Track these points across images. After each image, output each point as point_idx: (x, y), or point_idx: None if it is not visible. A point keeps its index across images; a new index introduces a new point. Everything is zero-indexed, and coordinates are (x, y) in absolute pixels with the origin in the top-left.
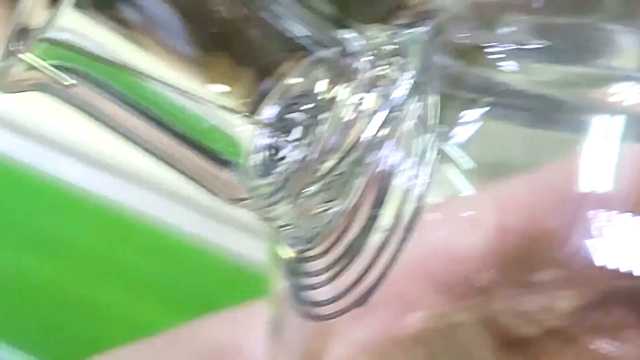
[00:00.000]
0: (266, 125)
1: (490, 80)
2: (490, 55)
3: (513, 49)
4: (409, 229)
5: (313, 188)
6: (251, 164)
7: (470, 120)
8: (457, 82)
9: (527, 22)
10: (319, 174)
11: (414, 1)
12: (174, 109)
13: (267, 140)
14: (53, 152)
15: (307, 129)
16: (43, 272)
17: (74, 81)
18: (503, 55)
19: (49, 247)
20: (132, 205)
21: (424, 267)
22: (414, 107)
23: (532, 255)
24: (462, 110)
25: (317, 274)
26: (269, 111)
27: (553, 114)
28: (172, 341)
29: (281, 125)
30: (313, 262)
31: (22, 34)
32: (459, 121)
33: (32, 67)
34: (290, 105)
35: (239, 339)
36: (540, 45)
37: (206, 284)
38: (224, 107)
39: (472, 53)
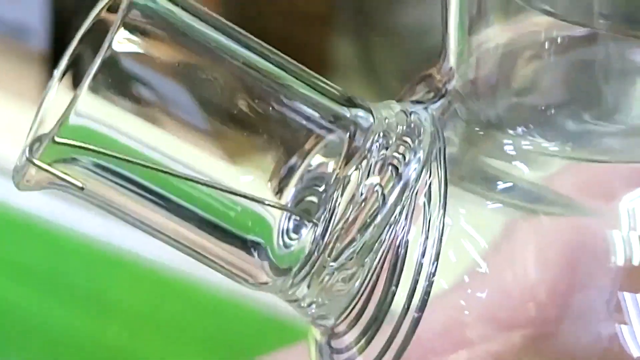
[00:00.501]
0: (289, 209)
1: (496, 174)
2: (500, 139)
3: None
4: (424, 302)
5: (332, 266)
6: (275, 246)
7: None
8: (462, 166)
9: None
10: (337, 252)
11: (437, 77)
12: (194, 193)
13: (288, 223)
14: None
15: (323, 210)
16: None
17: (82, 186)
18: (511, 142)
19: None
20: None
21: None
22: (424, 183)
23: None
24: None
25: (348, 348)
26: (290, 193)
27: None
28: None
29: (300, 207)
30: (342, 338)
31: (38, 140)
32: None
33: (43, 170)
34: (306, 187)
35: None
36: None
37: (239, 335)
38: (248, 195)
39: (480, 137)
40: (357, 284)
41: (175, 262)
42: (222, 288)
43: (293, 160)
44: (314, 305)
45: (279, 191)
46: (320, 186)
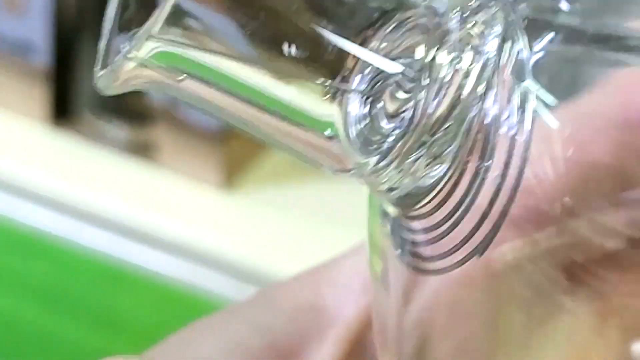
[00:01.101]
0: (360, 93)
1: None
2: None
3: None
4: (519, 177)
5: (419, 151)
6: (352, 136)
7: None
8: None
9: None
10: (424, 136)
11: None
12: (270, 97)
13: (363, 110)
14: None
15: (403, 95)
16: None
17: (184, 75)
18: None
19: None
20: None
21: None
22: (506, 57)
23: (622, 173)
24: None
25: (429, 230)
26: (360, 80)
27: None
28: (257, 305)
29: (375, 93)
30: (424, 220)
31: (132, 35)
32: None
33: (141, 66)
34: (381, 72)
35: (322, 299)
36: None
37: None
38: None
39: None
40: (443, 166)
41: (181, 276)
42: (230, 302)
43: (361, 43)
44: (397, 190)
45: (349, 79)
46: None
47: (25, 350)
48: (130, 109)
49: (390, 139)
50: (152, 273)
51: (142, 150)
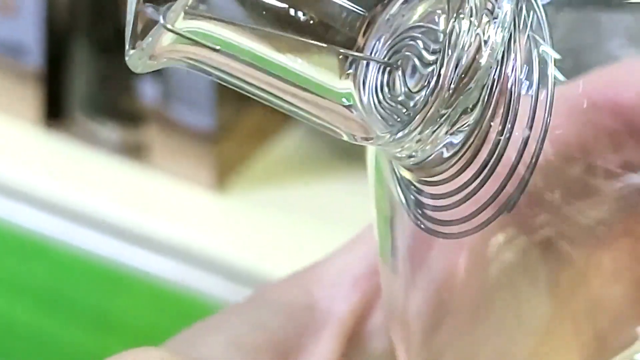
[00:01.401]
0: (378, 63)
1: None
2: None
3: None
4: (543, 137)
5: (440, 120)
6: (371, 106)
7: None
8: None
9: None
10: (445, 104)
11: None
12: (293, 71)
13: (381, 80)
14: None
15: (422, 64)
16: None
17: (217, 48)
18: None
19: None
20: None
21: None
22: (522, 21)
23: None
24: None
25: (448, 195)
26: (376, 46)
27: None
28: (255, 305)
29: (393, 63)
30: (444, 185)
31: (166, 10)
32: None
33: (178, 40)
34: (398, 39)
35: (312, 298)
36: None
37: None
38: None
39: None
40: (463, 133)
41: (174, 277)
42: (222, 302)
43: (375, 11)
44: (415, 157)
45: (365, 46)
46: (413, 38)
47: (19, 351)
48: (122, 110)
49: (411, 107)
50: (144, 274)
51: (134, 151)
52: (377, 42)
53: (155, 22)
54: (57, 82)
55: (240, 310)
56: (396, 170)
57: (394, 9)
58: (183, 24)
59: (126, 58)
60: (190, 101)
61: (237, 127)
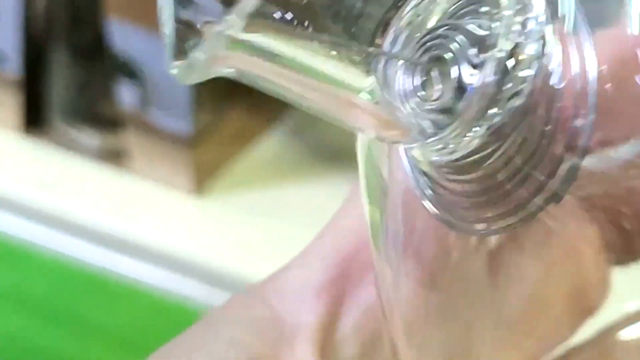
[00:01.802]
0: (417, 63)
1: None
2: None
3: None
4: (590, 137)
5: (480, 121)
6: (404, 107)
7: None
8: None
9: None
10: (488, 105)
11: None
12: (322, 71)
13: (415, 82)
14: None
15: (456, 67)
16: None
17: (278, 53)
18: None
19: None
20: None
21: None
22: (557, 12)
23: None
24: None
25: (482, 193)
26: (395, 42)
27: None
28: (227, 321)
29: (424, 62)
30: (474, 184)
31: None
32: None
33: (233, 47)
34: (427, 38)
35: (274, 311)
36: None
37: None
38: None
39: None
40: (499, 134)
41: (153, 281)
42: (201, 306)
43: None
44: (449, 156)
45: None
46: (444, 39)
47: (2, 357)
48: (101, 116)
49: (451, 111)
50: (124, 278)
51: (113, 156)
52: (394, 43)
53: (190, 32)
54: (36, 89)
55: (210, 328)
56: (423, 167)
57: (407, 9)
58: (241, 35)
59: (172, 71)
60: (168, 106)
61: (215, 132)
